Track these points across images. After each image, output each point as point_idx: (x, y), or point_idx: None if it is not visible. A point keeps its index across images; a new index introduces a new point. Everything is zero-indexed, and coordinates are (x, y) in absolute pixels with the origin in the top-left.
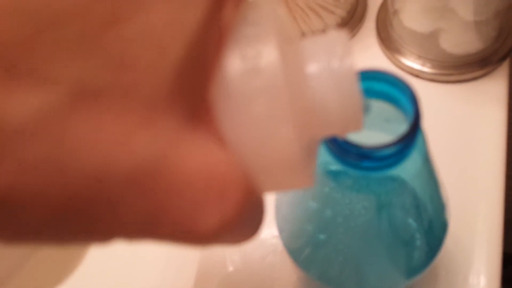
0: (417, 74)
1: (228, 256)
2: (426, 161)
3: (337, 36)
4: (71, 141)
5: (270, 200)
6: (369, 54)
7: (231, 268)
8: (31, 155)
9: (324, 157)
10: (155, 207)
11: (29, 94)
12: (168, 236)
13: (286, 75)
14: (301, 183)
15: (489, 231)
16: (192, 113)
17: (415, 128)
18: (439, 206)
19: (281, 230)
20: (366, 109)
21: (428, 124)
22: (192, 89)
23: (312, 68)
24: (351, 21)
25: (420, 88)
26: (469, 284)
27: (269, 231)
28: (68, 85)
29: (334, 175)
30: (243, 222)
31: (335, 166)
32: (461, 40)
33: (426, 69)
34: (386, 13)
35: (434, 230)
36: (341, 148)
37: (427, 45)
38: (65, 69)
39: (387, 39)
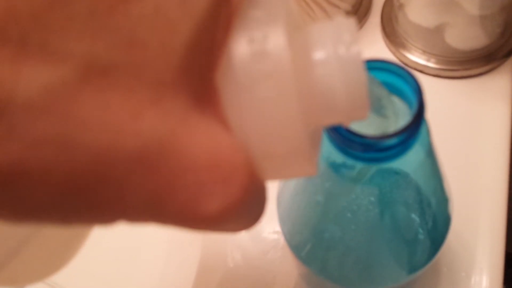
0: (421, 70)
1: (229, 251)
2: (430, 153)
3: (345, 23)
4: (79, 118)
5: (272, 195)
6: (374, 49)
7: (232, 264)
8: (39, 130)
9: (327, 150)
10: (161, 187)
11: (39, 68)
12: (171, 218)
13: (293, 59)
14: (304, 171)
15: (492, 229)
16: (198, 95)
17: (419, 118)
18: (443, 200)
19: (282, 224)
20: (388, 102)
21: (432, 120)
22: (200, 71)
23: (319, 54)
24: (356, 15)
25: (425, 83)
26: (471, 281)
27: (271, 226)
28: (78, 61)
29: (336, 168)
30: (246, 208)
31: (338, 159)
32: (467, 35)
33: (431, 64)
34: (391, 7)
35: (437, 224)
36: (345, 139)
37: (432, 40)
38: (76, 44)
39: (392, 34)
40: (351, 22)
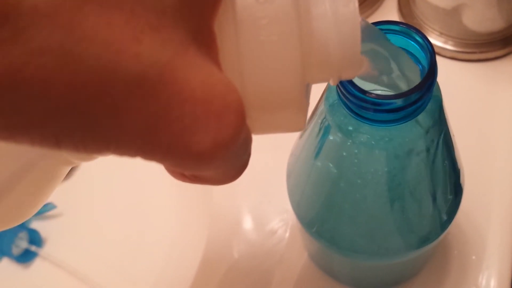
0: (438, 52)
1: (236, 232)
2: (442, 119)
3: None
4: (82, 31)
5: (280, 174)
6: None
7: (239, 243)
8: (43, 37)
9: (338, 114)
10: (157, 114)
11: None
12: (162, 149)
13: (296, 6)
14: (293, 124)
15: (504, 212)
16: (196, 33)
17: (430, 77)
18: (455, 169)
19: (292, 196)
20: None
21: (447, 102)
22: (199, 11)
23: (317, 8)
24: None
25: (441, 66)
26: (482, 265)
27: (279, 205)
28: None
29: (348, 133)
30: (234, 150)
31: (350, 123)
32: (484, 17)
33: (448, 46)
34: None
35: (450, 194)
36: (356, 97)
37: (450, 21)
38: None
39: (409, 15)
40: None
